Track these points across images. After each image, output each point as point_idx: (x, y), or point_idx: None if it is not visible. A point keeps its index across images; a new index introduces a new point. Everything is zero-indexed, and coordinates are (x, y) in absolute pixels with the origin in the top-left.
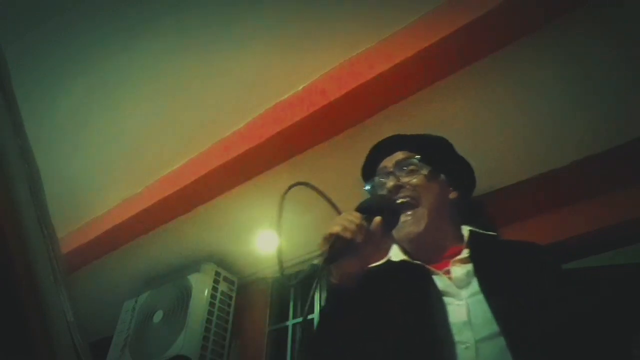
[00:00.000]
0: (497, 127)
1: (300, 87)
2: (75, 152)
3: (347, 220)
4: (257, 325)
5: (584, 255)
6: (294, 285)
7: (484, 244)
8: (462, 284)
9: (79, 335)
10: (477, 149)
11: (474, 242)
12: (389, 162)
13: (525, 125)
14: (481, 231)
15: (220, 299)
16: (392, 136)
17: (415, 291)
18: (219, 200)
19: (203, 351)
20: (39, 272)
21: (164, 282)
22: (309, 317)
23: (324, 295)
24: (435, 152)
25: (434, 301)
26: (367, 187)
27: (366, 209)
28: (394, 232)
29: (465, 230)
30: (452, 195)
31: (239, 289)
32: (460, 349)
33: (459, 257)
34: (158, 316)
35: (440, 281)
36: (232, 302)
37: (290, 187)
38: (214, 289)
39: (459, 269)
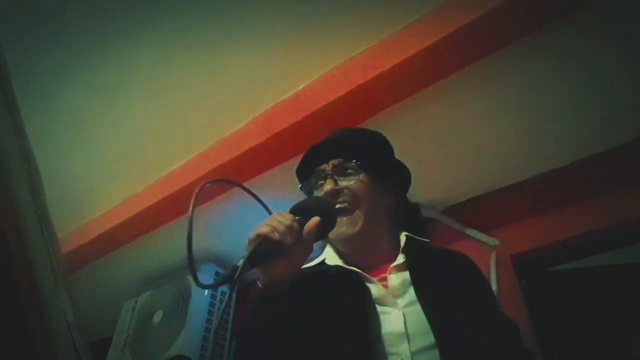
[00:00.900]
0: (497, 127)
1: (300, 87)
2: (75, 152)
3: (276, 221)
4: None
5: (584, 255)
6: (210, 287)
7: (419, 251)
8: (398, 293)
9: (79, 335)
10: (477, 149)
11: (410, 248)
12: (326, 165)
13: (525, 125)
14: (417, 237)
15: (220, 299)
16: (331, 139)
17: (348, 299)
18: (218, 200)
19: (203, 351)
20: (39, 272)
21: (164, 282)
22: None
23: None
24: (371, 156)
25: (369, 310)
26: (301, 187)
27: (301, 210)
28: (331, 232)
29: (402, 236)
30: (389, 199)
31: (239, 289)
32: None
33: (395, 263)
34: (158, 316)
35: (375, 289)
36: (232, 302)
37: (205, 183)
38: (214, 289)
39: (395, 277)
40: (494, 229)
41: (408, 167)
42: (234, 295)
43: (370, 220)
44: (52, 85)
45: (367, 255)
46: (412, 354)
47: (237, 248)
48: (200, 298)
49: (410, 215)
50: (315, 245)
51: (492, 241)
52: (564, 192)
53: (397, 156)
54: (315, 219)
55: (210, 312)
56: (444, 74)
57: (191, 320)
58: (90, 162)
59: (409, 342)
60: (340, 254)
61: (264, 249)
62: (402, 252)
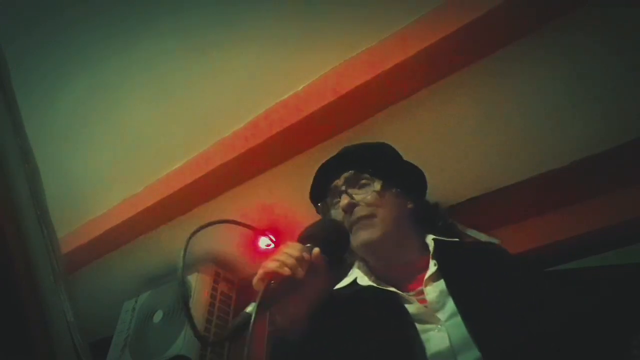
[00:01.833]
0: (496, 127)
1: (300, 87)
2: (75, 152)
3: (285, 255)
4: (257, 325)
5: (584, 255)
6: (222, 341)
7: (450, 253)
8: (437, 307)
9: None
10: (477, 149)
11: (440, 252)
12: (339, 181)
13: (525, 125)
14: (445, 239)
15: (220, 299)
16: (339, 154)
17: (386, 324)
18: (219, 200)
19: (203, 351)
20: (39, 272)
21: (164, 282)
22: None
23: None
24: (383, 164)
25: (410, 333)
26: (318, 210)
27: (310, 237)
28: (352, 242)
29: (429, 239)
30: (409, 204)
31: (239, 289)
32: None
33: (429, 273)
34: (158, 316)
35: (413, 308)
36: (232, 302)
37: (198, 230)
38: (214, 289)
39: (432, 289)
40: (494, 229)
41: None
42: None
43: (390, 226)
44: (52, 85)
45: (397, 266)
46: None
47: (237, 248)
48: (200, 298)
49: (433, 217)
50: None
51: (492, 241)
52: (564, 192)
53: None
54: (316, 250)
55: (210, 312)
56: (444, 74)
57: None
58: (90, 162)
59: (456, 357)
60: (370, 269)
61: (275, 288)
62: (433, 259)
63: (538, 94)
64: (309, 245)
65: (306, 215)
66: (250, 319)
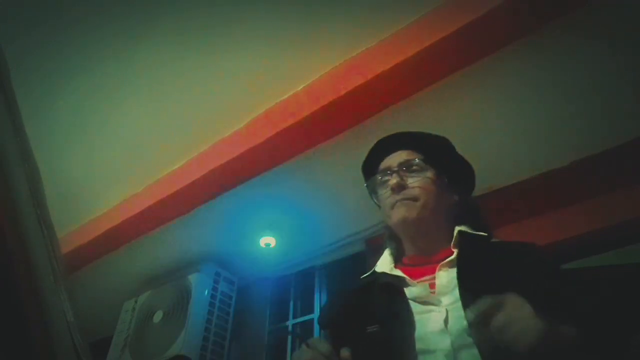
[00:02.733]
0: (496, 127)
1: (300, 87)
2: (75, 152)
3: (316, 353)
4: (257, 325)
5: (584, 255)
6: None
7: (473, 246)
8: (445, 291)
9: (79, 335)
10: (477, 149)
11: (463, 243)
12: (392, 161)
13: (525, 125)
14: (471, 232)
15: (220, 299)
16: (396, 134)
17: (391, 305)
18: (219, 200)
19: (203, 351)
20: (39, 272)
21: (164, 282)
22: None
23: None
24: (439, 153)
25: (408, 311)
26: (367, 184)
27: (329, 323)
28: (392, 218)
29: (456, 230)
30: (453, 197)
31: (239, 289)
32: (439, 357)
33: (448, 259)
34: (158, 316)
35: (419, 291)
36: (232, 302)
37: None
38: (214, 289)
39: (444, 275)
40: (494, 229)
41: None
42: None
43: (429, 211)
44: (52, 86)
45: (424, 250)
46: (454, 350)
47: (237, 248)
48: (200, 298)
49: (470, 213)
50: None
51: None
52: (564, 192)
53: None
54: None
55: (210, 312)
56: (443, 74)
57: (191, 320)
58: (90, 162)
59: (451, 338)
60: (395, 253)
61: None
62: (455, 247)
63: (538, 94)
64: (331, 340)
65: (306, 215)
66: None
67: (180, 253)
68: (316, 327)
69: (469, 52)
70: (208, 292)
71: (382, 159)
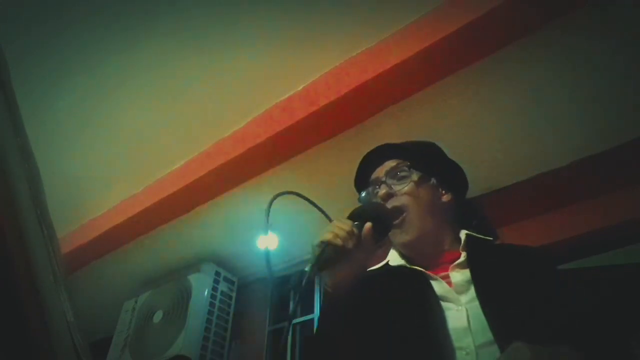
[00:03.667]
0: (497, 127)
1: (300, 87)
2: (75, 152)
3: (337, 227)
4: (257, 325)
5: (584, 255)
6: (289, 289)
7: (481, 249)
8: (461, 289)
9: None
10: (477, 149)
11: (471, 246)
12: (380, 172)
13: (525, 125)
14: (478, 235)
15: (220, 299)
16: (382, 145)
17: (413, 297)
18: (219, 200)
19: (203, 351)
20: (39, 272)
21: (164, 282)
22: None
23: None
24: (424, 157)
25: (433, 307)
26: (361, 197)
27: (357, 216)
28: (391, 238)
29: (463, 234)
30: (445, 198)
31: (239, 289)
32: (460, 355)
33: (457, 261)
34: (158, 316)
35: (439, 286)
36: (232, 302)
37: (276, 196)
38: (214, 289)
39: (458, 275)
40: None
41: None
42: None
43: (426, 222)
44: (52, 86)
45: (431, 255)
46: (476, 347)
47: (237, 248)
48: (200, 298)
49: (472, 214)
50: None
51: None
52: (564, 192)
53: None
54: (368, 224)
55: (210, 312)
56: (443, 74)
57: (191, 320)
58: (90, 162)
59: (472, 336)
60: (404, 255)
61: (328, 254)
62: (463, 250)
63: (538, 93)
64: (356, 223)
65: (306, 215)
66: (305, 275)
67: (180, 253)
68: (316, 327)
69: (469, 52)
70: (208, 292)
71: (371, 172)
